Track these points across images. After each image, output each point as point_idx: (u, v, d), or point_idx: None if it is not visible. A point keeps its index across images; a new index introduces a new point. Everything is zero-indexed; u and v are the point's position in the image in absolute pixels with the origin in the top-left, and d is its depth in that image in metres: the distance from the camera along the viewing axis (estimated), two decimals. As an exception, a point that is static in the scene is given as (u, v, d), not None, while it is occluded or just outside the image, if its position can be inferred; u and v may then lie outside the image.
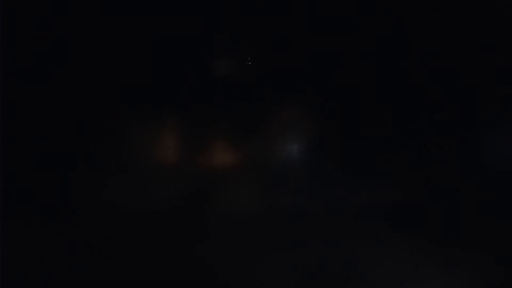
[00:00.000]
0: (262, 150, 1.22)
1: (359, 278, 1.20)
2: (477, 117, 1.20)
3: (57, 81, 1.20)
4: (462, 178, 1.19)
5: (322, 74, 1.20)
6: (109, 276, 1.20)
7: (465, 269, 1.19)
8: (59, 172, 1.20)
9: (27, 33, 1.19)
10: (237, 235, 1.20)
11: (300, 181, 1.22)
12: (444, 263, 1.19)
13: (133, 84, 1.20)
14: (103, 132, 1.21)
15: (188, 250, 1.21)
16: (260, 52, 1.21)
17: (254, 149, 1.22)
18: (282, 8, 1.19)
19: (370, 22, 1.19)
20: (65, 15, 1.19)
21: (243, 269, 1.21)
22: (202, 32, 1.20)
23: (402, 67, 1.20)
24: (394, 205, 1.20)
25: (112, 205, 1.20)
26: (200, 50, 1.21)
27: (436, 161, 1.20)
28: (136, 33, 1.20)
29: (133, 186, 1.21)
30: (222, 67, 1.23)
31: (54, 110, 1.20)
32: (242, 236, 1.20)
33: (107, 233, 1.20)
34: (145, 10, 1.20)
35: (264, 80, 1.21)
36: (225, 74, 1.22)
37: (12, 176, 1.19)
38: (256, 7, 1.20)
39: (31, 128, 1.20)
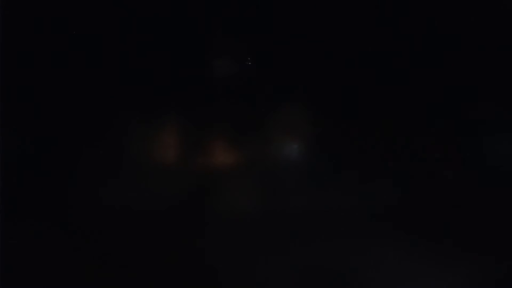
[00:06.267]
0: (262, 150, 1.22)
1: (359, 278, 1.20)
2: (477, 117, 1.20)
3: (57, 81, 1.20)
4: (462, 178, 1.20)
5: (322, 74, 1.20)
6: (109, 275, 1.20)
7: (465, 269, 1.19)
8: (59, 172, 1.20)
9: (26, 33, 1.19)
10: (237, 235, 1.20)
11: (300, 181, 1.22)
12: (444, 263, 1.19)
13: (133, 84, 1.20)
14: (103, 132, 1.21)
15: (188, 250, 1.21)
16: (260, 52, 1.22)
17: (254, 149, 1.22)
18: (282, 8, 1.19)
19: (367, 22, 1.20)
20: (64, 15, 1.19)
21: (244, 269, 1.21)
22: (202, 32, 1.20)
23: (401, 67, 1.20)
24: (393, 205, 1.20)
25: (112, 205, 1.20)
26: (200, 50, 1.21)
27: (437, 161, 1.20)
28: (136, 32, 1.20)
29: (133, 186, 1.21)
30: (222, 67, 1.23)
31: (54, 110, 1.20)
32: (242, 236, 1.20)
33: (107, 233, 1.20)
34: (146, 10, 1.20)
35: (264, 80, 1.21)
36: (225, 74, 1.23)
37: (12, 176, 1.19)
38: (257, 7, 1.20)
39: (31, 128, 1.20)
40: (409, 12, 1.19)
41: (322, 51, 1.20)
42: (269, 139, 1.22)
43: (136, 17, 1.20)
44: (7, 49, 1.19)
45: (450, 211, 1.19)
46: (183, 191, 1.22)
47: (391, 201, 1.20)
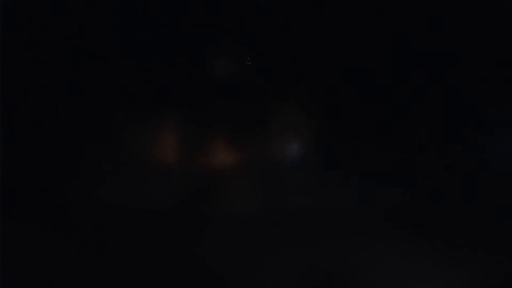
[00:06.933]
0: (262, 150, 1.22)
1: (359, 278, 1.20)
2: (477, 117, 1.20)
3: (56, 81, 1.20)
4: (462, 178, 1.20)
5: (321, 74, 1.20)
6: (108, 276, 1.20)
7: (465, 269, 1.19)
8: (59, 172, 1.20)
9: (26, 33, 1.20)
10: (237, 235, 1.21)
11: (300, 181, 1.22)
12: (444, 263, 1.19)
13: (133, 84, 1.20)
14: (102, 132, 1.21)
15: (188, 251, 1.21)
16: (260, 52, 1.22)
17: (254, 150, 1.22)
18: (282, 8, 1.19)
19: (368, 22, 1.20)
20: (63, 15, 1.19)
21: (244, 270, 1.21)
22: (202, 31, 1.20)
23: (401, 67, 1.20)
24: (393, 205, 1.20)
25: (112, 205, 1.21)
26: (200, 49, 1.21)
27: (437, 160, 1.20)
28: (136, 32, 1.20)
29: (133, 186, 1.21)
30: (222, 67, 1.23)
31: (54, 110, 1.20)
32: (241, 236, 1.21)
33: (107, 233, 1.20)
34: (145, 9, 1.20)
35: (264, 80, 1.21)
36: (225, 74, 1.23)
37: (12, 176, 1.19)
38: (256, 7, 1.20)
39: (31, 128, 1.20)
40: (407, 12, 1.19)
41: (322, 51, 1.20)
42: (269, 139, 1.23)
43: (135, 16, 1.20)
44: (7, 49, 1.19)
45: (450, 210, 1.19)
46: (182, 191, 1.22)
47: (391, 201, 1.20)
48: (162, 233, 1.20)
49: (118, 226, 1.20)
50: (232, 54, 1.23)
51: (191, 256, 1.21)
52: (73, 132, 1.20)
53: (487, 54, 1.19)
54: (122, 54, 1.20)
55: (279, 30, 1.20)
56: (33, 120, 1.20)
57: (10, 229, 1.19)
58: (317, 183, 1.21)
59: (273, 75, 1.21)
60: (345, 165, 1.21)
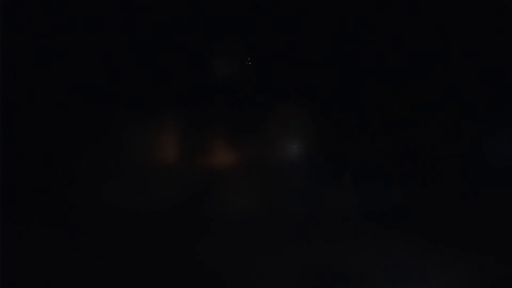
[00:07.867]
0: (262, 150, 1.22)
1: (359, 278, 1.20)
2: (476, 117, 1.20)
3: (56, 81, 1.20)
4: (462, 178, 1.20)
5: (321, 75, 1.20)
6: (109, 276, 1.20)
7: (465, 269, 1.19)
8: (59, 172, 1.20)
9: (26, 33, 1.20)
10: (237, 235, 1.21)
11: (300, 181, 1.22)
12: (444, 263, 1.19)
13: (133, 84, 1.20)
14: (102, 132, 1.21)
15: (188, 251, 1.21)
16: (260, 52, 1.22)
17: (253, 150, 1.22)
18: (282, 9, 1.19)
19: (368, 23, 1.20)
20: (63, 15, 1.20)
21: (244, 270, 1.21)
22: (202, 32, 1.21)
23: (401, 67, 1.20)
24: (393, 205, 1.20)
25: (112, 205, 1.21)
26: (200, 50, 1.21)
27: (436, 161, 1.20)
28: (135, 32, 1.20)
29: (133, 186, 1.21)
30: (222, 67, 1.23)
31: (54, 111, 1.20)
32: (242, 236, 1.21)
33: (107, 233, 1.20)
34: (145, 9, 1.20)
35: (264, 80, 1.21)
36: (225, 74, 1.23)
37: (12, 176, 1.19)
38: (256, 8, 1.20)
39: (31, 128, 1.20)
40: (405, 12, 1.20)
41: (321, 52, 1.20)
42: (268, 140, 1.23)
43: (135, 16, 1.20)
44: (7, 49, 1.19)
45: (450, 210, 1.19)
46: (181, 191, 1.22)
47: (390, 201, 1.20)
48: (162, 233, 1.20)
49: (118, 226, 1.20)
50: (232, 54, 1.23)
51: (191, 256, 1.21)
52: (73, 132, 1.20)
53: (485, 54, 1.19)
54: (122, 54, 1.20)
55: (279, 30, 1.20)
56: (33, 120, 1.20)
57: (10, 229, 1.19)
58: (316, 183, 1.21)
59: (273, 75, 1.21)
60: (345, 164, 1.21)
